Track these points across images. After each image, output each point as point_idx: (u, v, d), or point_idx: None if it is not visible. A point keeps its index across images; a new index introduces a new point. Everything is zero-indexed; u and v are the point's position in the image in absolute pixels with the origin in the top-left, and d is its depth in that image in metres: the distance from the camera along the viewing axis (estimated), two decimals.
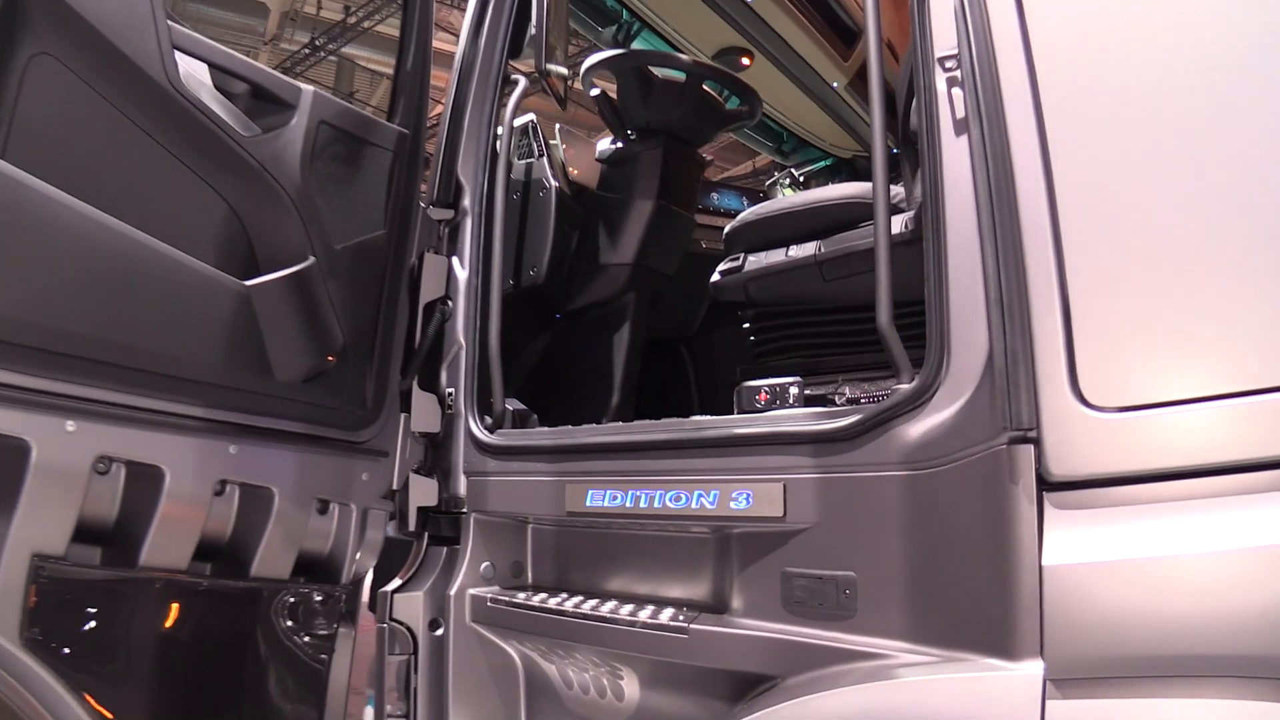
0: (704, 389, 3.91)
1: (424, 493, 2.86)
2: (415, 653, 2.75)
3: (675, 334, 3.84)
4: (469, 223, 2.99)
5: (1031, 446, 1.66)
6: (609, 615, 2.31)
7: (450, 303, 2.96)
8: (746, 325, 2.74)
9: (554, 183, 3.13)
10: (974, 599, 1.72)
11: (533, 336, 3.40)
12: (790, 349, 2.62)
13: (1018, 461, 1.66)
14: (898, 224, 2.35)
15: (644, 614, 2.27)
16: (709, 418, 2.24)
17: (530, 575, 2.84)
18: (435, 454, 2.93)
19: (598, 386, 3.23)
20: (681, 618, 2.21)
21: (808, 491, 2.01)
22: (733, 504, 2.10)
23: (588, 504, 2.39)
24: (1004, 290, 1.72)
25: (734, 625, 2.12)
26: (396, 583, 2.84)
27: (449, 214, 3.05)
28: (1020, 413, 1.64)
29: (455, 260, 3.00)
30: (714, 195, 4.58)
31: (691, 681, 2.29)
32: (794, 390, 2.28)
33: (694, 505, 2.17)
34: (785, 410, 2.21)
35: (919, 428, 1.86)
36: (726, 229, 2.73)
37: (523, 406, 2.87)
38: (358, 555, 2.80)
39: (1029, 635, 1.59)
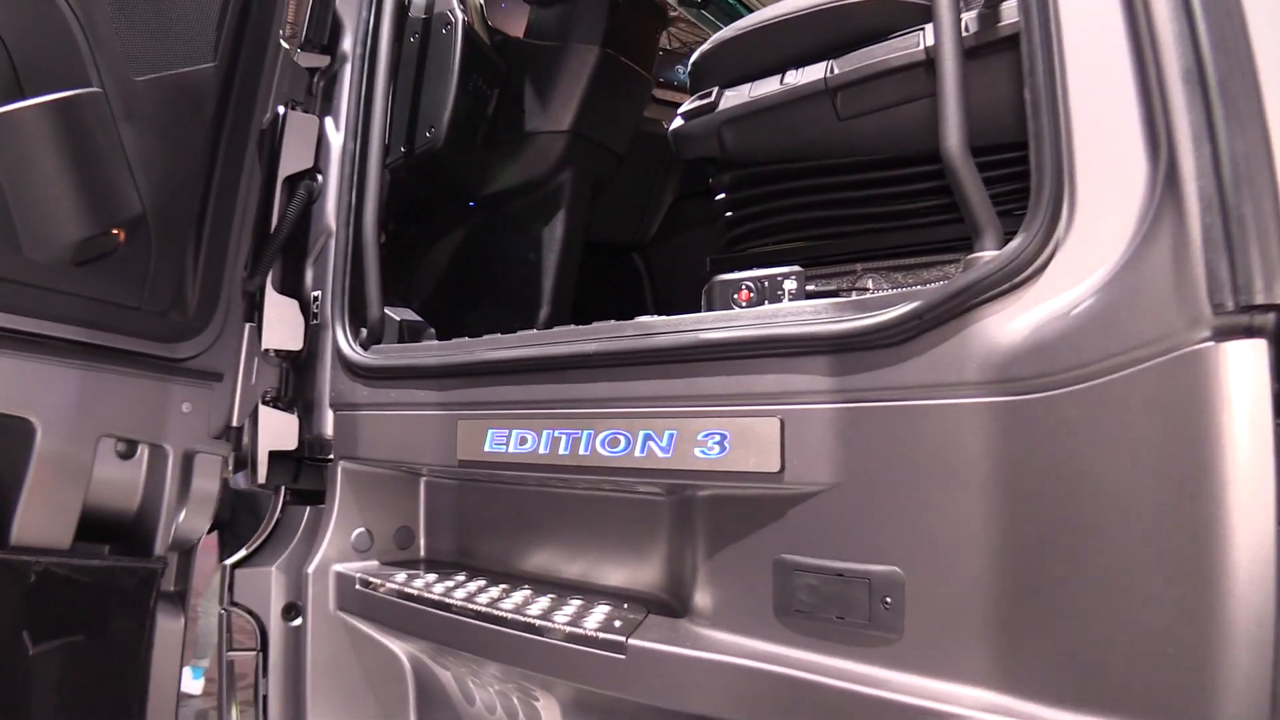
0: (665, 309, 3.01)
1: (278, 432, 2.06)
2: (263, 649, 1.98)
3: (627, 239, 2.96)
4: (348, 71, 2.15)
5: (1267, 345, 0.87)
6: (515, 618, 1.52)
7: (320, 177, 2.13)
8: (722, 196, 1.91)
9: (460, 15, 2.27)
10: (1142, 627, 0.94)
11: (440, 232, 2.57)
12: (784, 228, 1.80)
13: (1238, 370, 0.87)
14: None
15: (563, 615, 1.49)
16: (661, 319, 1.44)
17: (423, 546, 2.06)
18: (296, 380, 2.12)
19: (522, 296, 2.40)
20: (619, 623, 1.43)
21: (820, 431, 1.23)
22: (698, 451, 1.31)
23: (487, 448, 1.60)
24: (1210, 67, 0.92)
25: (696, 642, 1.35)
26: (240, 554, 2.05)
27: (323, 60, 2.20)
28: (1252, 281, 0.85)
29: (329, 121, 2.16)
30: (678, 68, 3.65)
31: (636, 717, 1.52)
32: (790, 285, 1.48)
33: (638, 452, 1.38)
34: (782, 306, 1.41)
35: (1021, 321, 1.07)
36: (693, 56, 1.89)
37: (416, 318, 2.06)
38: (180, 516, 2.00)
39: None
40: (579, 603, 1.57)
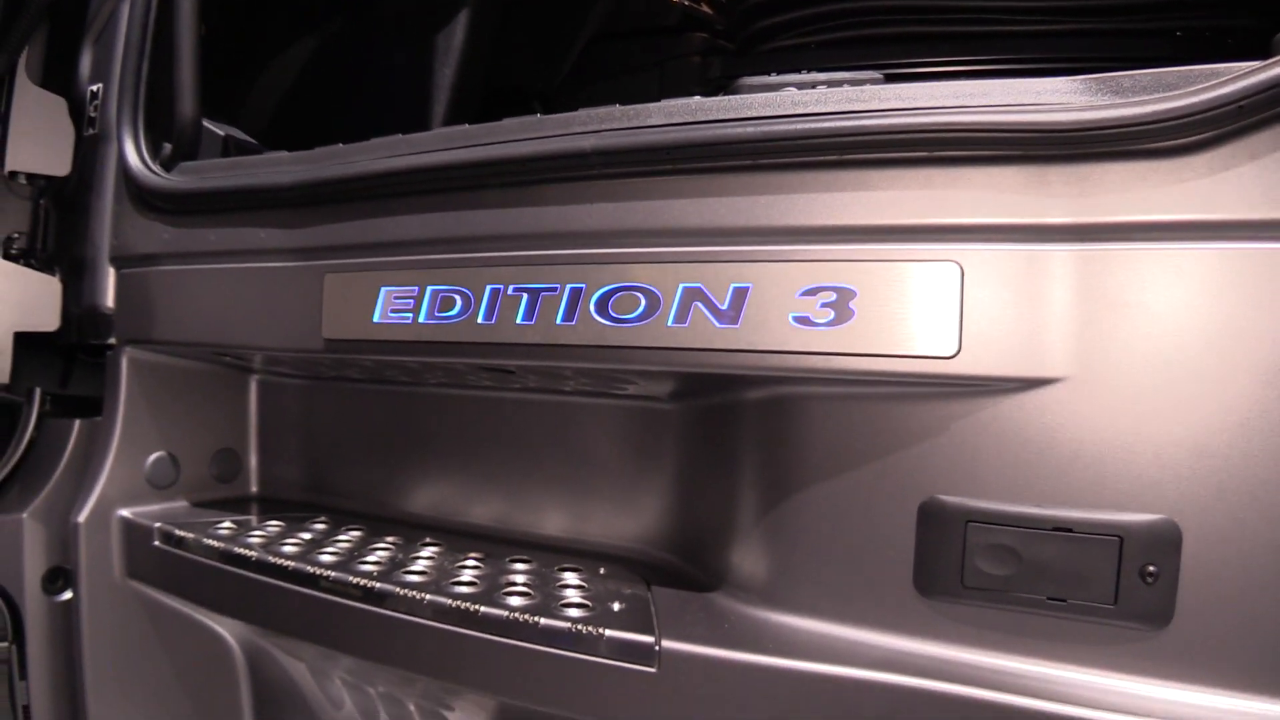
0: None
1: (30, 303, 1.35)
2: (18, 639, 1.30)
3: (528, 81, 2.27)
4: None
5: None
6: (436, 601, 0.92)
7: None
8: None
9: None
10: None
11: (285, 38, 1.83)
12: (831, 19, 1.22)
13: None
14: None
15: (517, 593, 0.90)
16: (724, 99, 0.84)
17: (254, 478, 1.40)
18: (58, 222, 1.40)
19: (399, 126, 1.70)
20: (619, 606, 0.86)
21: (1032, 290, 0.69)
22: (791, 318, 0.75)
23: (377, 318, 0.97)
24: None
25: (767, 641, 0.79)
26: None
27: None
28: None
29: None
30: None
31: None
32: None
33: (670, 320, 0.79)
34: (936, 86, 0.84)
35: None
36: None
37: (246, 137, 1.38)
38: None
39: None
40: (525, 567, 0.99)
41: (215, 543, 1.13)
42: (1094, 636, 0.69)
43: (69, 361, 1.43)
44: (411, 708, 1.17)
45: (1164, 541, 0.67)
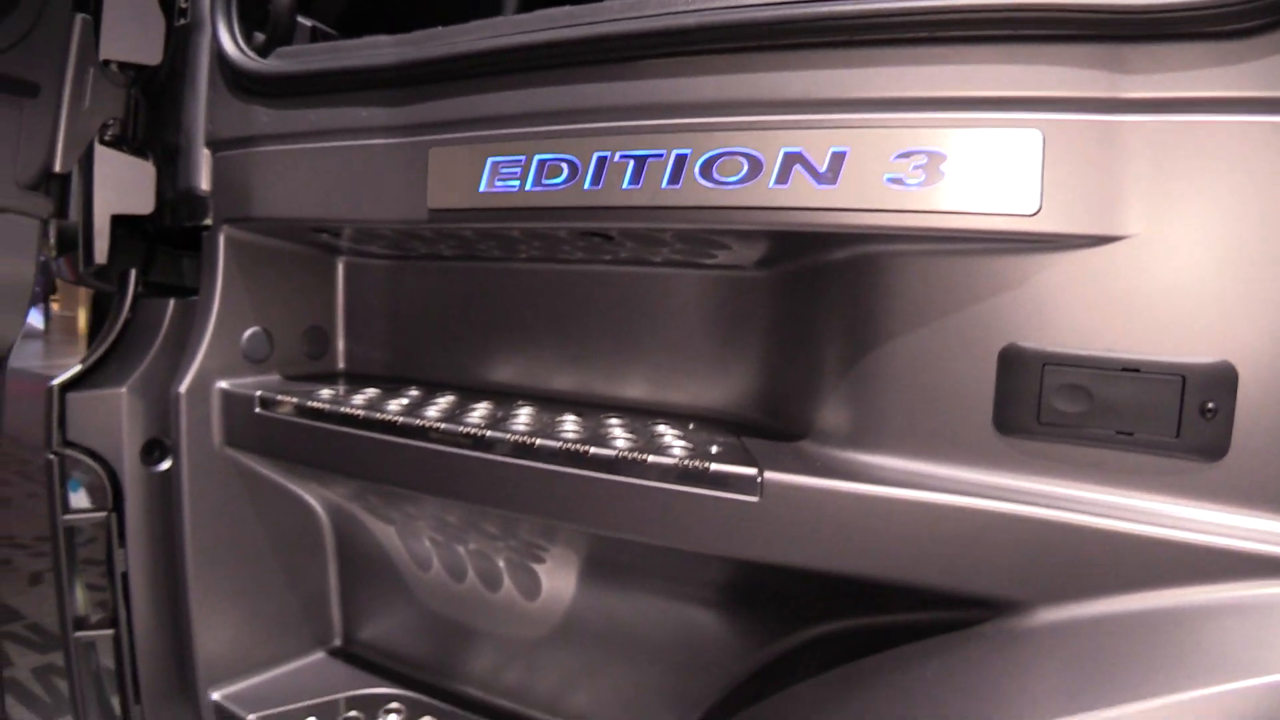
0: None
1: (125, 186, 1.42)
2: (117, 508, 1.39)
3: None
4: None
5: None
6: (545, 445, 1.00)
7: None
8: None
9: None
10: None
11: None
12: None
13: None
14: None
15: (621, 441, 0.99)
16: None
17: (341, 354, 1.49)
18: (151, 109, 1.46)
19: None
20: (716, 448, 0.95)
21: (1108, 154, 0.77)
22: (886, 179, 0.82)
23: (484, 187, 1.04)
24: None
25: (861, 473, 0.87)
26: (73, 371, 1.43)
27: None
28: None
29: None
30: None
31: (722, 587, 1.06)
32: None
33: (772, 181, 0.86)
34: None
35: None
36: None
37: (328, 29, 1.43)
38: None
39: None
40: (621, 421, 1.08)
41: (319, 404, 1.22)
42: (1157, 468, 0.77)
43: (158, 246, 1.50)
44: (500, 564, 1.27)
45: (1222, 381, 0.74)
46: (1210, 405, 0.75)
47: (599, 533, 1.00)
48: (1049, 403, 0.80)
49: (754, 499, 0.86)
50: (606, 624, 1.21)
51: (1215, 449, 0.75)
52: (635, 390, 1.22)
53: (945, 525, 0.80)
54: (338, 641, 1.56)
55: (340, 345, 1.48)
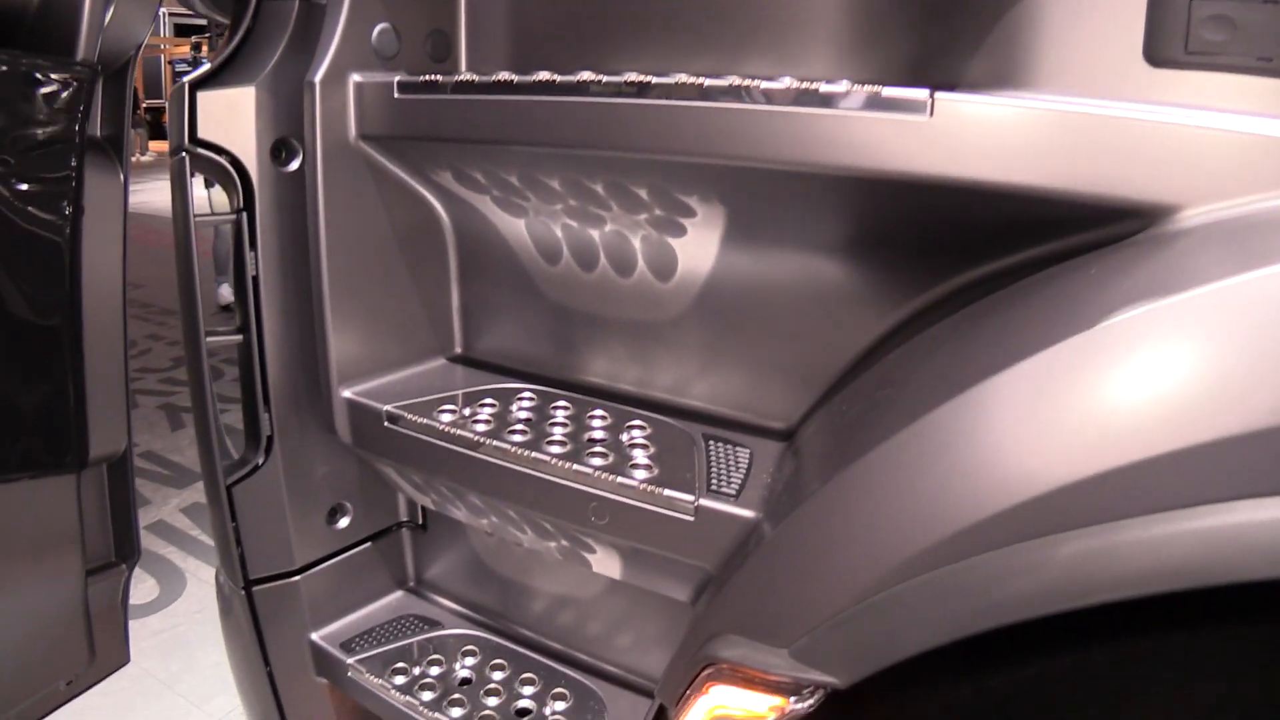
0: None
1: None
2: (249, 207, 1.45)
3: None
4: None
5: None
6: (704, 78, 1.05)
7: None
8: None
9: None
10: None
11: None
12: None
13: None
14: None
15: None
16: None
17: (464, 60, 1.52)
18: None
19: None
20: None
21: None
22: None
23: None
24: None
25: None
26: (203, 69, 1.46)
27: None
28: None
29: None
30: None
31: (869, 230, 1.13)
32: None
33: None
34: None
35: None
36: None
37: None
38: (108, 10, 1.40)
39: None
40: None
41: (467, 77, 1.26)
42: None
43: None
44: (636, 242, 1.33)
45: None
46: None
47: (774, 165, 1.04)
48: (1196, 33, 0.85)
49: (924, 118, 0.91)
50: (746, 303, 1.29)
51: None
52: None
53: (1104, 136, 0.86)
54: (458, 349, 1.66)
55: (462, 52, 1.50)
